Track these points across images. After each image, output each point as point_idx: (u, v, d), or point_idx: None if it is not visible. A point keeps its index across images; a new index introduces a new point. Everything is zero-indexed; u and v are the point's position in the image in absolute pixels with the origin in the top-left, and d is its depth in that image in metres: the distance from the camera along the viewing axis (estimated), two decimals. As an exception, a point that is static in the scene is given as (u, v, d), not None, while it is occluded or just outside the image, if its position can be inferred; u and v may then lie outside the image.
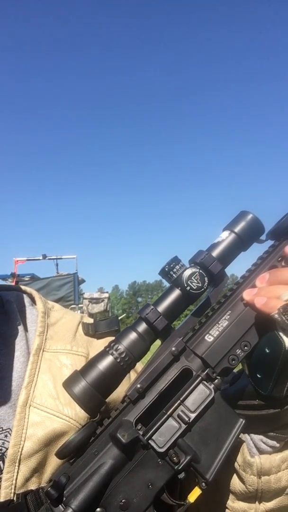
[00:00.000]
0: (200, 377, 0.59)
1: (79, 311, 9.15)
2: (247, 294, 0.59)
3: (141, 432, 0.57)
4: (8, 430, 0.67)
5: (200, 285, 0.57)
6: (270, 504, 0.63)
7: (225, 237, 0.61)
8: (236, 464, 0.63)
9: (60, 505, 0.54)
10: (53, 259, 10.55)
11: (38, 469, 0.66)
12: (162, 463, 0.57)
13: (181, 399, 0.58)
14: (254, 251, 0.64)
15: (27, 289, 0.86)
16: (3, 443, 0.67)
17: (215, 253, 0.60)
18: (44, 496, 0.63)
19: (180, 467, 0.56)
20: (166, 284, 0.62)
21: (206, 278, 0.58)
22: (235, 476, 0.64)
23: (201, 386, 0.59)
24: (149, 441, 0.57)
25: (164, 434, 0.57)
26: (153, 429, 0.57)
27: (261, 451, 0.63)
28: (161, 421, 0.57)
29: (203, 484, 0.57)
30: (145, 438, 0.56)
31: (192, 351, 0.60)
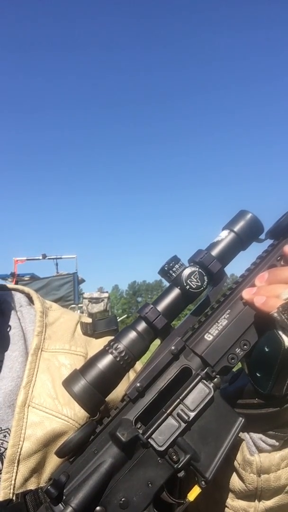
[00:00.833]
0: (199, 376, 0.59)
1: (78, 311, 9.15)
2: (247, 293, 0.59)
3: (140, 431, 0.57)
4: (7, 430, 0.67)
5: (199, 284, 0.57)
6: (269, 503, 0.63)
7: (224, 236, 0.61)
8: (235, 463, 0.64)
9: (60, 504, 0.54)
10: (53, 258, 10.55)
11: (37, 469, 0.66)
12: (162, 462, 0.57)
13: (180, 397, 0.58)
14: (254, 250, 0.64)
15: (25, 289, 0.86)
16: (2, 443, 0.67)
17: (214, 252, 0.60)
18: (43, 495, 0.63)
19: (179, 466, 0.56)
20: (166, 284, 0.62)
21: (205, 277, 0.58)
22: (234, 475, 0.64)
23: (200, 385, 0.59)
24: (149, 440, 0.57)
25: (164, 433, 0.57)
26: (152, 428, 0.57)
27: (260, 450, 0.63)
28: (160, 419, 0.57)
29: (203, 482, 0.57)
30: (145, 436, 0.57)
31: (192, 350, 0.60)
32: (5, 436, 0.67)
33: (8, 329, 0.77)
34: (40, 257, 10.40)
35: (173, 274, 0.59)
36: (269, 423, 0.62)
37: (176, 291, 0.59)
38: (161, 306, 0.59)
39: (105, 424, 0.58)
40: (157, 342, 0.62)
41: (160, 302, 0.59)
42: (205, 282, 0.58)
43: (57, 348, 0.76)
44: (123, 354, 0.57)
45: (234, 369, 0.64)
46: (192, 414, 0.58)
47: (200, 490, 0.57)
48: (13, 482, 0.64)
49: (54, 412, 0.68)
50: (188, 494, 0.57)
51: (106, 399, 0.57)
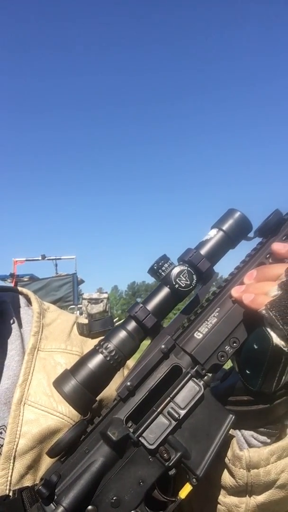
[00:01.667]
0: (189, 374, 0.59)
1: (78, 311, 9.15)
2: (235, 291, 0.60)
3: (131, 430, 0.57)
4: (3, 427, 0.68)
5: (188, 282, 0.58)
6: (260, 498, 0.63)
7: (213, 235, 0.61)
8: (226, 459, 0.64)
9: (51, 504, 0.54)
10: (52, 259, 10.55)
11: (32, 466, 0.67)
12: (153, 460, 0.57)
13: (171, 396, 0.59)
14: (243, 249, 0.64)
15: (23, 290, 0.88)
16: None
17: (203, 251, 0.60)
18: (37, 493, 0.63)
19: (170, 464, 0.57)
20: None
21: (194, 276, 0.58)
22: (225, 471, 0.64)
23: (190, 383, 0.59)
24: (140, 439, 0.57)
25: (155, 431, 0.57)
26: (143, 427, 0.57)
27: (251, 447, 0.63)
28: (151, 418, 0.58)
29: (194, 480, 0.57)
30: (136, 435, 0.57)
31: (182, 348, 0.60)
32: (1, 433, 0.68)
33: (5, 329, 0.78)
34: (40, 258, 10.40)
35: (162, 273, 0.59)
36: (259, 420, 0.62)
37: (165, 290, 0.60)
38: (150, 305, 0.59)
39: (96, 424, 0.59)
40: (147, 342, 0.62)
41: (149, 301, 0.60)
42: (194, 281, 0.58)
43: (53, 347, 0.77)
44: (113, 353, 0.57)
45: (226, 367, 0.64)
46: (182, 412, 0.58)
47: (192, 488, 0.57)
48: (9, 478, 0.65)
49: (49, 410, 0.69)
50: (180, 492, 0.57)
51: (101, 396, 0.58)
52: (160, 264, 0.59)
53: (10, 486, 0.65)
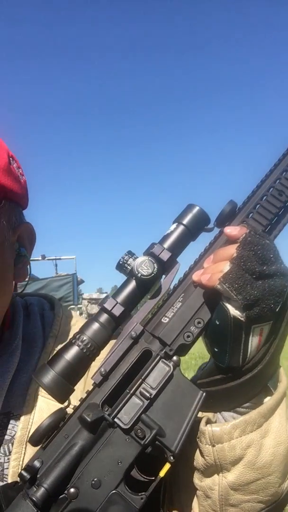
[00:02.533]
0: (159, 356, 0.63)
1: (78, 311, 9.16)
2: (196, 275, 0.64)
3: (107, 412, 0.61)
4: (19, 415, 0.78)
5: (150, 271, 0.62)
6: (230, 477, 0.64)
7: (174, 229, 0.66)
8: (197, 438, 0.67)
9: (33, 486, 0.58)
10: (52, 259, 10.57)
11: None
12: (130, 440, 0.60)
13: (142, 377, 0.62)
14: (205, 240, 0.68)
15: (48, 295, 1.00)
16: (13, 427, 0.77)
17: (165, 243, 0.65)
18: None
19: (146, 442, 0.59)
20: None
21: (155, 265, 0.62)
22: (197, 451, 0.67)
23: (160, 363, 0.63)
24: (115, 420, 0.60)
25: (129, 412, 0.61)
26: (117, 408, 0.61)
27: None
28: (125, 400, 0.61)
29: (171, 457, 0.59)
30: (111, 417, 0.60)
31: (150, 333, 0.64)
32: (16, 420, 0.78)
33: (31, 329, 0.88)
34: (39, 258, 10.39)
35: (128, 267, 0.63)
36: (235, 398, 0.64)
37: (131, 281, 0.64)
38: (119, 297, 0.63)
39: (74, 410, 0.62)
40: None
41: (118, 293, 0.64)
42: (155, 269, 0.62)
43: None
44: (88, 344, 0.61)
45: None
46: (154, 391, 0.61)
47: (170, 466, 0.60)
48: (21, 462, 0.74)
49: None
50: (160, 472, 0.60)
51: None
52: (125, 259, 0.64)
53: (21, 468, 0.68)
